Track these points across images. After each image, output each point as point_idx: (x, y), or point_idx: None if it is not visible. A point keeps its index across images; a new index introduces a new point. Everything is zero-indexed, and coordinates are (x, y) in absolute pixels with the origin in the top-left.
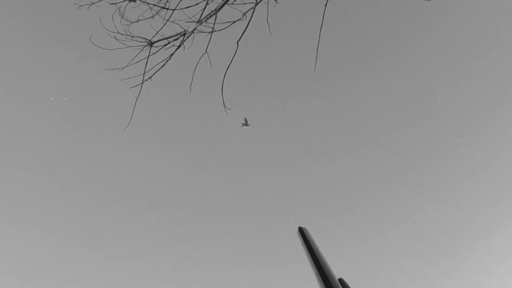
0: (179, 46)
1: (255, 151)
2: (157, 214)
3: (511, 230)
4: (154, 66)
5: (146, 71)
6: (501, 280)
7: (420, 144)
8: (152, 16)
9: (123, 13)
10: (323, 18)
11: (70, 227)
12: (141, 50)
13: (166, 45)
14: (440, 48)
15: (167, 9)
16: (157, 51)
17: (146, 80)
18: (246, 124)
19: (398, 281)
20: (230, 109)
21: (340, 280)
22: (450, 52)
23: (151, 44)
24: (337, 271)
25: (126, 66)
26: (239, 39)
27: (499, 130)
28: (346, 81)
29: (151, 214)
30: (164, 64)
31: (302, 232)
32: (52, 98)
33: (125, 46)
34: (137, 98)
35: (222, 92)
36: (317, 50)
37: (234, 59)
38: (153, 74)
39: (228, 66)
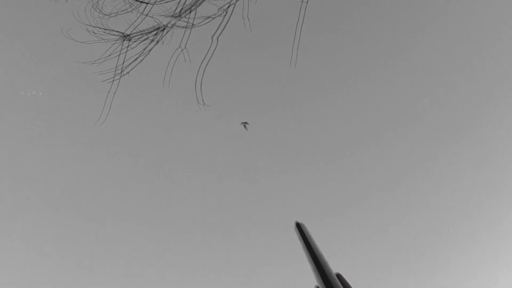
0: (156, 41)
1: (232, 148)
2: (133, 213)
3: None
4: (131, 60)
5: (122, 65)
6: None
7: (416, 139)
8: (129, 10)
9: (101, 7)
10: (304, 15)
11: (40, 225)
12: (117, 44)
13: (143, 39)
14: (432, 46)
15: (145, 3)
16: (134, 45)
17: (123, 75)
18: (245, 126)
19: (396, 277)
20: (208, 105)
21: (338, 275)
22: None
23: (127, 38)
24: (334, 266)
25: (99, 59)
26: (216, 34)
27: (497, 129)
28: (327, 78)
29: (127, 213)
30: (142, 59)
31: (299, 227)
32: (22, 93)
33: (100, 40)
34: (114, 93)
35: (199, 88)
36: (297, 47)
37: (212, 55)
38: (131, 70)
39: (206, 61)
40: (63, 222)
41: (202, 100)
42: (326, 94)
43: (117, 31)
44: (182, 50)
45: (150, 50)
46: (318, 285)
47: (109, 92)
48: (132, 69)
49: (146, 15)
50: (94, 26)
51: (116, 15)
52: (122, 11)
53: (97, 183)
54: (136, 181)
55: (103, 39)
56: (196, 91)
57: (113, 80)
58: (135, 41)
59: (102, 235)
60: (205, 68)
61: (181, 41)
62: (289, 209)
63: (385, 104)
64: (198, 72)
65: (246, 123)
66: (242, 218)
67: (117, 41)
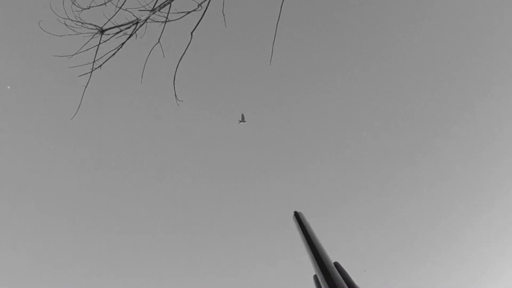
0: (131, 35)
1: (207, 142)
2: (103, 208)
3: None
4: (105, 54)
5: (96, 59)
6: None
7: (406, 135)
8: (104, 3)
9: (76, 0)
10: (279, 12)
11: (8, 218)
12: (92, 38)
13: (117, 33)
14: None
15: None
16: (108, 39)
17: (96, 68)
18: (242, 120)
19: (393, 266)
20: (181, 100)
21: (336, 264)
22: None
23: (102, 31)
24: (332, 255)
25: (75, 54)
26: (193, 30)
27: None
28: (301, 75)
29: (97, 206)
30: (115, 53)
31: (297, 216)
32: (8, 87)
33: (75, 33)
34: (85, 87)
35: (174, 84)
36: (273, 44)
37: (187, 50)
38: (103, 63)
39: (181, 57)
40: (36, 219)
41: (175, 96)
42: (303, 90)
43: (92, 25)
44: (155, 45)
45: (123, 43)
46: (316, 274)
47: (86, 86)
48: (104, 62)
49: (120, 8)
50: (71, 20)
51: (89, 8)
52: (98, 4)
53: (70, 176)
54: (108, 175)
55: (78, 33)
56: (174, 87)
57: (90, 75)
58: (110, 35)
59: (75, 228)
60: (178, 63)
61: (160, 37)
62: (283, 203)
63: (377, 99)
64: (177, 68)
65: (243, 119)
66: (232, 214)
67: (93, 35)
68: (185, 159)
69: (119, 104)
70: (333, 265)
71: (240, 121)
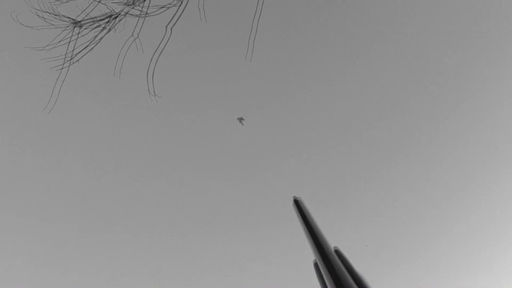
0: (108, 29)
1: (184, 139)
2: (78, 207)
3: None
4: (81, 48)
5: (72, 52)
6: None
7: (397, 129)
8: None
9: None
10: (261, 7)
11: None
12: (67, 30)
13: (94, 26)
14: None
15: None
16: (85, 33)
17: (73, 62)
18: (241, 120)
19: (393, 251)
20: (160, 96)
21: (336, 250)
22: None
23: (78, 24)
24: (332, 241)
25: (48, 45)
26: (170, 24)
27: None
28: (284, 72)
29: (70, 205)
30: (93, 47)
31: (297, 203)
32: None
33: (50, 25)
34: (62, 81)
35: (152, 79)
36: (253, 40)
37: (166, 45)
38: (81, 57)
39: (158, 51)
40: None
41: (154, 91)
42: (263, 84)
43: (68, 17)
44: (134, 39)
45: (102, 38)
46: (316, 260)
47: (57, 79)
48: (82, 56)
49: (99, 1)
50: (47, 12)
51: (68, 1)
52: None
53: (41, 172)
54: (82, 172)
55: (53, 25)
56: (148, 82)
57: (62, 68)
58: (86, 28)
59: (55, 231)
60: (157, 58)
61: (133, 30)
62: (279, 192)
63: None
64: (150, 63)
65: (242, 118)
66: (224, 211)
67: (68, 28)
68: (165, 155)
69: (95, 99)
70: (333, 251)
71: (239, 119)
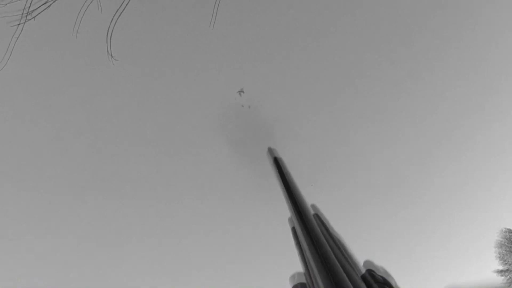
0: None
1: (142, 104)
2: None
3: None
4: (39, 4)
5: (29, 9)
6: None
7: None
8: None
9: None
10: None
11: None
12: None
13: None
14: None
15: None
16: None
17: (29, 19)
18: (240, 93)
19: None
20: (117, 60)
21: (312, 206)
22: None
23: None
24: (309, 197)
25: (4, 0)
26: None
27: None
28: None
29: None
30: (50, 5)
31: (271, 152)
32: None
33: None
34: (17, 38)
35: (109, 40)
36: (217, 6)
37: (126, 6)
38: (37, 14)
39: (119, 12)
40: None
41: (111, 53)
42: (243, 54)
43: None
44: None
45: None
46: (291, 216)
47: (13, 36)
48: (38, 14)
49: None
50: None
51: None
52: None
53: None
54: (33, 133)
55: None
56: (107, 43)
57: (18, 24)
58: None
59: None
60: (117, 19)
61: None
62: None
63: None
64: (114, 24)
65: (242, 91)
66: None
67: None
68: (119, 119)
69: (50, 58)
70: (309, 206)
71: (239, 92)
